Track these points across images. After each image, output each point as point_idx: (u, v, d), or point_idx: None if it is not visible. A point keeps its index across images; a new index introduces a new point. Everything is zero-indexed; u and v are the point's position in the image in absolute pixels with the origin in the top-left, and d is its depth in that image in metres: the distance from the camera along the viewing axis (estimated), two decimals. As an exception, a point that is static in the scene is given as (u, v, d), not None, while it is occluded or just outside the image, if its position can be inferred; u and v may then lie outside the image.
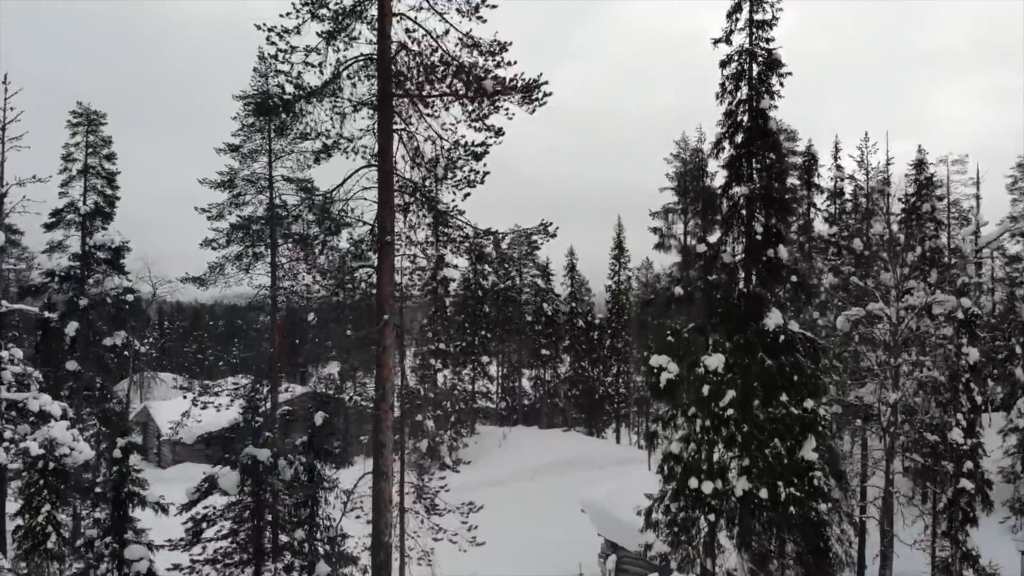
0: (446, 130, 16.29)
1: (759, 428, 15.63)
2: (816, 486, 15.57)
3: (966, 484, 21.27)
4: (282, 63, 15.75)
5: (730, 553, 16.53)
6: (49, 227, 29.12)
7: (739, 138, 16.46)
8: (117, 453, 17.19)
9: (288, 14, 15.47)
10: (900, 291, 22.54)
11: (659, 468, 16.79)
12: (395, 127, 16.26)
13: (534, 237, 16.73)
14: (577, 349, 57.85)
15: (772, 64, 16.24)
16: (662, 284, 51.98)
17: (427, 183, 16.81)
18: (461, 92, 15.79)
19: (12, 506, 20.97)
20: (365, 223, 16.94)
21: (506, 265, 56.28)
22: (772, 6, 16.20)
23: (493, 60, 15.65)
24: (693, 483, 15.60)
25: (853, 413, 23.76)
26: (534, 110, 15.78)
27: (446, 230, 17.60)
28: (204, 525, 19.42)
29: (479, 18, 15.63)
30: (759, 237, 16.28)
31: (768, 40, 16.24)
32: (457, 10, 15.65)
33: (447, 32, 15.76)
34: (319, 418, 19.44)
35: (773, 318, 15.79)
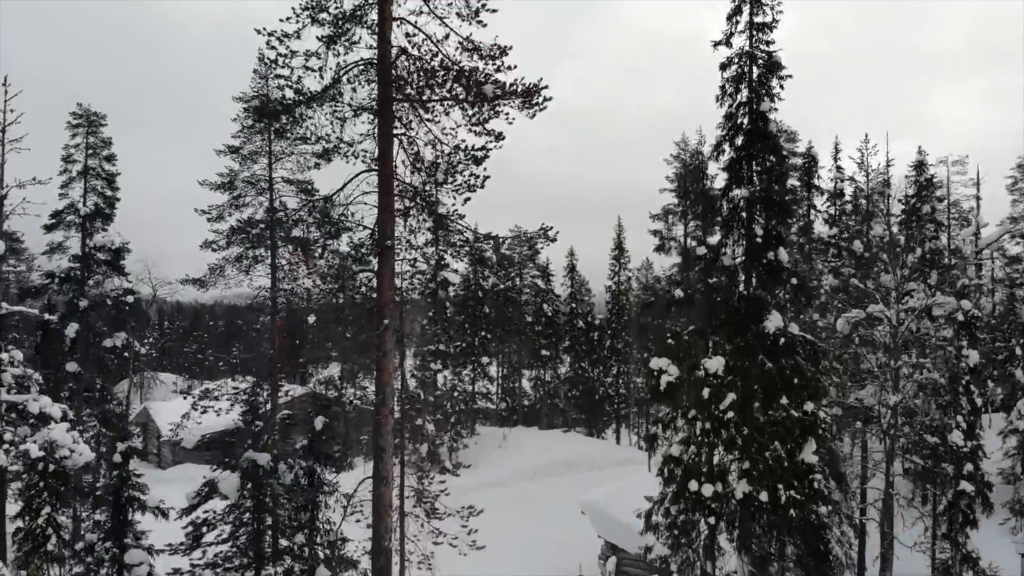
0: (446, 134, 16.28)
1: (759, 431, 15.63)
2: (816, 489, 15.55)
3: (966, 486, 21.24)
4: (282, 68, 15.72)
5: (730, 556, 16.54)
6: (49, 228, 29.15)
7: (739, 141, 16.43)
8: (117, 458, 17.18)
9: (288, 18, 15.44)
10: (900, 293, 22.52)
11: (659, 471, 16.78)
12: (395, 131, 16.24)
13: (534, 241, 16.72)
14: (577, 350, 57.76)
15: (772, 67, 16.21)
16: (662, 286, 51.92)
17: (427, 187, 16.80)
18: (461, 97, 15.75)
19: (12, 508, 20.97)
20: (365, 227, 16.94)
21: (506, 267, 56.30)
22: (772, 9, 16.16)
23: (493, 64, 15.63)
24: (693, 486, 15.60)
25: (853, 415, 23.73)
26: (534, 115, 15.76)
27: (446, 234, 17.60)
28: (204, 529, 19.45)
29: (479, 22, 15.60)
30: (759, 240, 16.27)
31: (768, 43, 16.20)
32: (457, 14, 15.63)
33: (447, 36, 15.74)
34: (319, 422, 19.46)
35: (773, 321, 15.77)
